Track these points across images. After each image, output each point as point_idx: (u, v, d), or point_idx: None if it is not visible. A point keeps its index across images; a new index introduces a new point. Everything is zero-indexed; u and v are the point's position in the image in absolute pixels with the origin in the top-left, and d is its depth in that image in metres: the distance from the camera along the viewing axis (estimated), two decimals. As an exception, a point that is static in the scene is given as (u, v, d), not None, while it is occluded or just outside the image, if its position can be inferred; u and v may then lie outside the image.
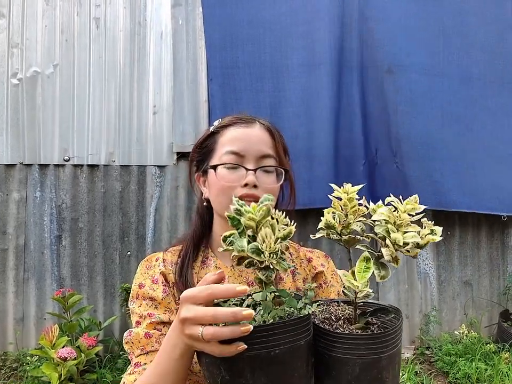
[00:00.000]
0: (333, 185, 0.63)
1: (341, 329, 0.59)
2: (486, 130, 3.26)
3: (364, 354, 0.55)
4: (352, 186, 0.62)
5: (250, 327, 0.52)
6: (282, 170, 0.91)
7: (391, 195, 0.60)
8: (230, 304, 0.60)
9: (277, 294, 0.59)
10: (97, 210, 2.97)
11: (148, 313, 0.85)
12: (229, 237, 0.56)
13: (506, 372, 2.63)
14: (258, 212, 0.55)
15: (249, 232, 0.56)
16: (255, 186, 0.85)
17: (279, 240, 0.56)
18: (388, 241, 0.57)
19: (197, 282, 0.85)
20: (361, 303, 0.64)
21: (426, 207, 0.58)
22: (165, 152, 3.04)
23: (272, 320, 0.55)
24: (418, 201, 0.59)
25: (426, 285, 3.33)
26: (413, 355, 3.08)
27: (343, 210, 0.62)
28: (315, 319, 0.60)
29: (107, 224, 2.98)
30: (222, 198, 0.87)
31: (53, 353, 2.19)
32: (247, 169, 0.86)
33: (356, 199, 0.62)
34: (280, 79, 3.11)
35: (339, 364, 0.56)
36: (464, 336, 3.03)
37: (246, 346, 0.52)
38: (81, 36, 3.01)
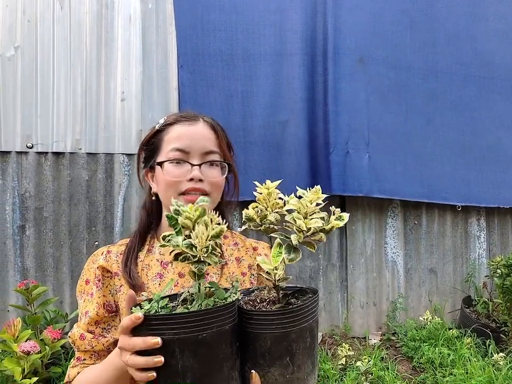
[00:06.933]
0: (256, 182, 0.71)
1: (263, 309, 0.66)
2: (447, 123, 3.37)
3: (273, 329, 0.62)
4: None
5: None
6: (226, 164, 0.98)
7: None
8: (166, 300, 0.68)
9: (209, 286, 0.67)
10: (62, 200, 2.88)
11: (85, 311, 0.93)
12: (168, 236, 0.61)
13: (468, 357, 2.72)
14: (195, 211, 0.60)
15: (186, 232, 0.61)
16: (200, 180, 0.91)
17: (211, 237, 0.62)
18: (294, 227, 0.65)
19: (142, 270, 0.94)
20: (285, 287, 0.72)
21: (326, 195, 0.65)
22: (133, 140, 2.96)
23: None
24: (320, 191, 0.66)
25: (393, 273, 3.42)
26: (380, 341, 3.16)
27: (264, 204, 0.70)
28: (241, 302, 0.68)
29: (73, 214, 2.89)
30: (170, 192, 0.92)
31: (16, 347, 2.12)
32: (192, 165, 0.92)
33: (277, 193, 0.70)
34: (252, 67, 3.07)
35: (254, 338, 0.64)
36: (428, 322, 3.13)
37: (154, 375, 0.60)
38: (44, 17, 2.87)
